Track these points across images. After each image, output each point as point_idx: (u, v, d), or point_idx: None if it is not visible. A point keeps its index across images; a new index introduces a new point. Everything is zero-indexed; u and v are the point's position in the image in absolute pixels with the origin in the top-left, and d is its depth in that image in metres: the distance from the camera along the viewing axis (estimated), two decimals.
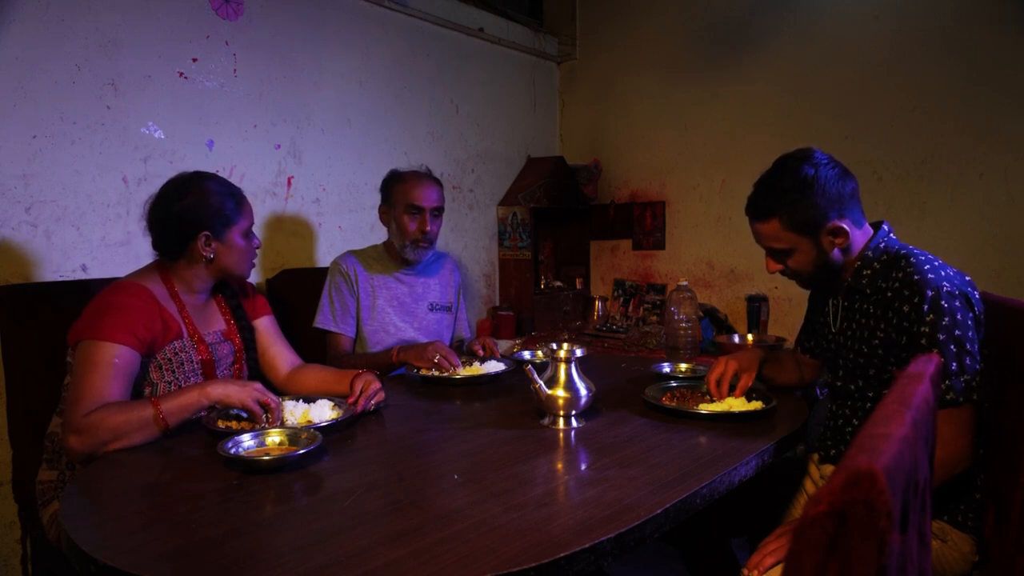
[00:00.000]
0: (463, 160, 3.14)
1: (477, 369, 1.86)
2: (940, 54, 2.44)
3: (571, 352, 1.38)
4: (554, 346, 1.41)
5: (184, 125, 2.13)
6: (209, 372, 1.51)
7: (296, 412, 1.40)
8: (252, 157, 2.32)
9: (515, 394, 1.68)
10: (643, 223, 3.35)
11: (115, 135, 1.98)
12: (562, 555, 0.83)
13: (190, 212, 1.47)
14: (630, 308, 3.31)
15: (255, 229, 1.61)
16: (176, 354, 1.45)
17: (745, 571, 1.17)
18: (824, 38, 2.71)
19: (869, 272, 1.39)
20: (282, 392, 1.61)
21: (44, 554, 1.44)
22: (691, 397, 1.55)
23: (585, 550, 0.85)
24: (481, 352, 1.97)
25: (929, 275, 1.27)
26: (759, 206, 1.42)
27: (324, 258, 2.55)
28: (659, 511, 0.96)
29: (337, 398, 1.49)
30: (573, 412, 1.38)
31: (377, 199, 2.18)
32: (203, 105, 2.18)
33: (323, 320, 2.07)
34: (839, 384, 1.47)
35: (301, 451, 1.15)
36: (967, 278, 1.32)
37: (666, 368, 1.85)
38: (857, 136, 2.64)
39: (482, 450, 1.25)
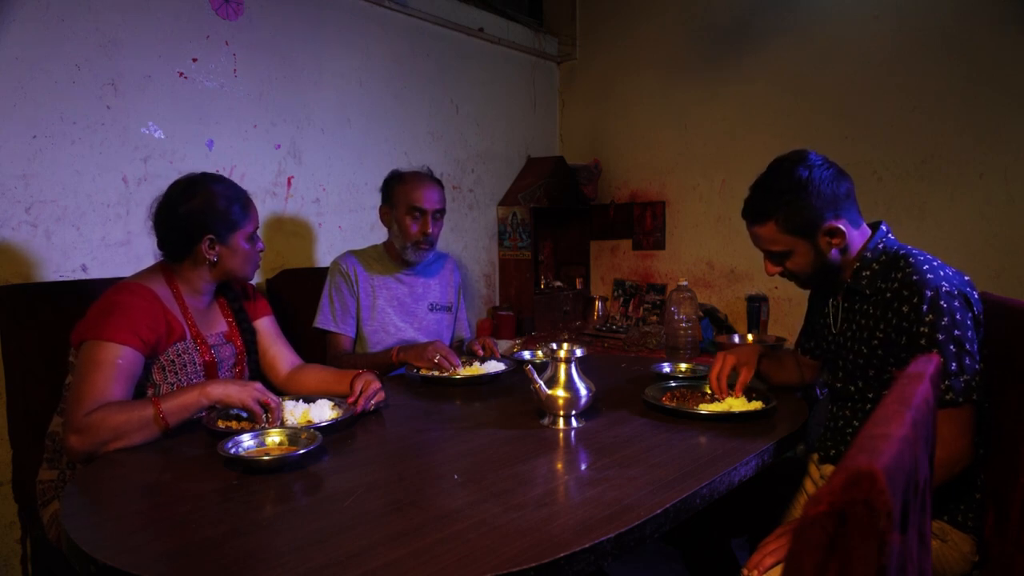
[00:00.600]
0: (463, 160, 3.14)
1: (477, 369, 1.86)
2: (940, 54, 2.44)
3: (571, 352, 1.38)
4: (554, 346, 1.41)
5: (184, 125, 2.13)
6: (211, 374, 1.51)
7: (296, 412, 1.40)
8: (252, 157, 2.32)
9: (515, 394, 1.67)
10: (643, 223, 3.35)
11: (115, 135, 1.98)
12: (562, 555, 0.83)
13: (196, 215, 1.46)
14: (630, 308, 3.31)
15: None
16: (179, 356, 1.45)
17: (745, 571, 1.17)
18: (824, 38, 2.71)
19: (868, 273, 1.39)
20: (282, 392, 1.61)
21: (44, 554, 1.44)
22: (691, 397, 1.55)
23: (585, 550, 0.85)
24: (481, 352, 1.97)
25: (928, 275, 1.27)
26: (755, 209, 1.42)
27: (324, 258, 2.55)
28: (659, 511, 0.96)
29: (337, 398, 1.49)
30: (573, 412, 1.38)
31: (377, 199, 2.18)
32: (203, 105, 2.18)
33: (323, 320, 2.07)
34: (839, 385, 1.47)
35: (301, 451, 1.15)
36: (966, 278, 1.32)
37: (666, 368, 1.85)
38: (857, 136, 2.64)
39: (482, 450, 1.25)
